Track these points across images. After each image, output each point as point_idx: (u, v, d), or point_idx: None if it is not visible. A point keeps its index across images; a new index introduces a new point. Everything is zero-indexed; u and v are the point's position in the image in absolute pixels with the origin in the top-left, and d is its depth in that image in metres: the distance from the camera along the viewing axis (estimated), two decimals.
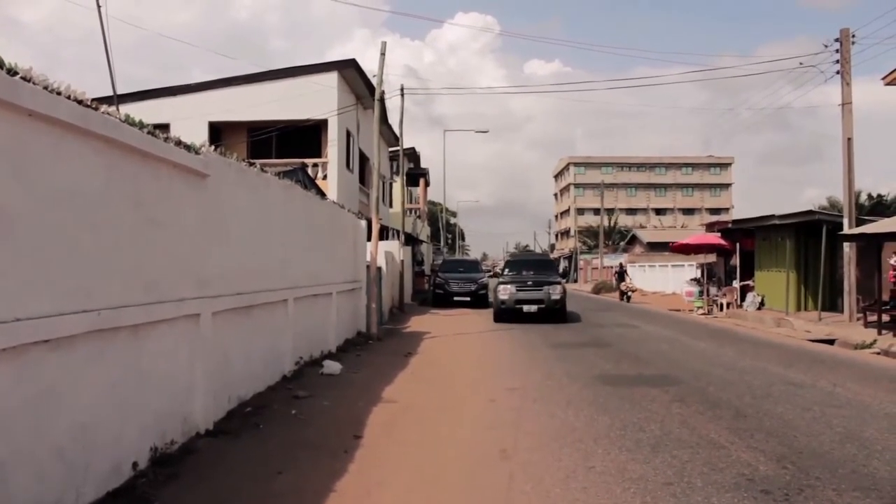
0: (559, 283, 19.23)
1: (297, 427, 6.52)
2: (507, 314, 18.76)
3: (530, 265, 21.38)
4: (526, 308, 18.33)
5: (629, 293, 30.93)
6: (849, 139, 18.78)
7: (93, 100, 4.28)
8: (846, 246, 18.46)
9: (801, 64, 20.27)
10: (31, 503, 3.59)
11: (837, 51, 19.18)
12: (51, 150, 3.83)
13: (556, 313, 18.52)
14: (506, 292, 18.76)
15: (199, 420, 5.90)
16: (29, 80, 3.62)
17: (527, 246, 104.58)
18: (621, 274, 33.37)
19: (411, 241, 31.87)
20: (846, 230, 17.94)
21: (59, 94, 3.87)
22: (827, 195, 45.91)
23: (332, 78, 22.77)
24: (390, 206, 35.68)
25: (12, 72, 3.52)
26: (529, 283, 18.94)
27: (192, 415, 5.82)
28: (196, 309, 5.80)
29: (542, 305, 18.37)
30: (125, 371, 4.64)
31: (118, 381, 4.54)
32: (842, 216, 19.17)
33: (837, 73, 19.21)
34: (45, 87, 3.75)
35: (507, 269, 21.39)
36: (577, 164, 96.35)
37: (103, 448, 4.32)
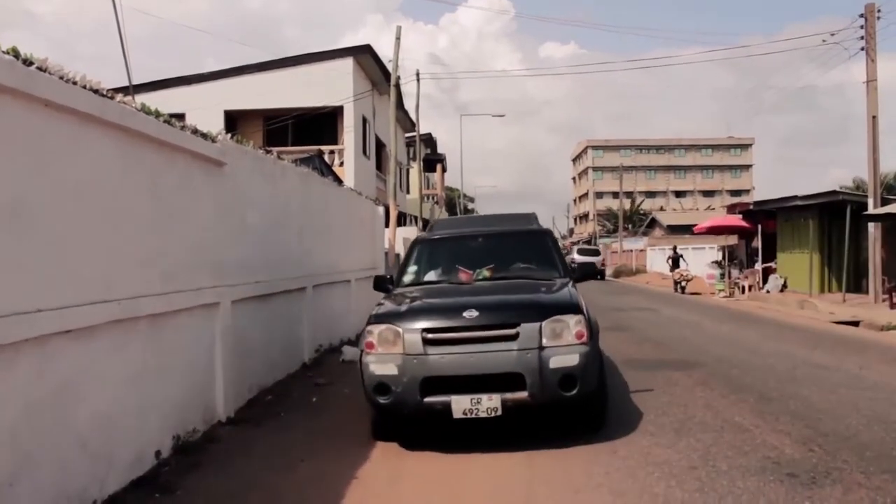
0: (572, 303, 5.36)
1: (318, 415, 6.53)
2: (403, 426, 5.56)
3: (484, 249, 6.90)
4: (459, 406, 4.99)
5: (684, 283, 24.99)
6: (874, 117, 18.41)
7: (108, 90, 4.27)
8: (871, 226, 18.15)
9: (823, 41, 19.91)
10: (56, 493, 3.62)
11: (862, 27, 18.77)
12: (68, 141, 3.83)
13: (559, 412, 5.40)
14: (385, 358, 5.17)
15: (220, 408, 5.94)
16: (45, 71, 3.61)
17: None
18: (676, 260, 27.80)
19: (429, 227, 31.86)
20: (871, 210, 17.66)
21: (74, 83, 3.86)
22: (852, 176, 45.06)
23: (348, 64, 22.67)
24: (407, 192, 35.64)
25: (28, 62, 3.51)
26: (471, 312, 5.13)
27: (214, 403, 5.86)
28: (215, 298, 5.81)
29: (523, 396, 4.98)
30: (146, 360, 4.66)
31: (139, 371, 4.57)
32: (866, 196, 18.84)
33: (862, 49, 18.80)
34: (61, 77, 3.75)
35: (411, 266, 6.91)
36: (595, 147, 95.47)
37: (126, 437, 4.36)
